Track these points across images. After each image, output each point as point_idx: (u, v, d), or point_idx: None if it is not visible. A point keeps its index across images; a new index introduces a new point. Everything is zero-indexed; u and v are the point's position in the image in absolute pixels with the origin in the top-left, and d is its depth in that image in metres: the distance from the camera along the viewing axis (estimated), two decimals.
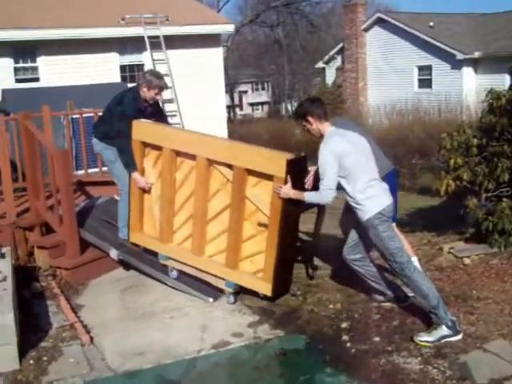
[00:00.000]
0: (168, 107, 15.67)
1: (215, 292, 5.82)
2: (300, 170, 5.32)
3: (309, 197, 4.92)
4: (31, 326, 5.25)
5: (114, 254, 6.47)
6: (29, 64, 15.13)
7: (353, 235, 5.13)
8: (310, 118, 4.89)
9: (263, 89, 61.75)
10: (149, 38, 15.69)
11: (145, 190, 6.23)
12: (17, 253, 6.91)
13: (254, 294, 5.69)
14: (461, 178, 6.28)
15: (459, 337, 4.59)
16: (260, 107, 60.67)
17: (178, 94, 15.67)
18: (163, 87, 6.18)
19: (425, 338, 4.62)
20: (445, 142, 6.57)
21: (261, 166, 5.26)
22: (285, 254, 5.38)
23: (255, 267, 5.56)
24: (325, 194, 4.74)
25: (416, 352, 4.49)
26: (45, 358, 4.73)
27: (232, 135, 17.37)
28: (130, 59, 16.45)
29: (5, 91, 12.63)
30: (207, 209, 5.78)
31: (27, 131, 7.05)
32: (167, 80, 15.27)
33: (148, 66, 16.04)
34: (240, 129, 24.83)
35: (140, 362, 4.68)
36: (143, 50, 15.98)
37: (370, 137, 5.43)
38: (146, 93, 6.08)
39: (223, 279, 5.72)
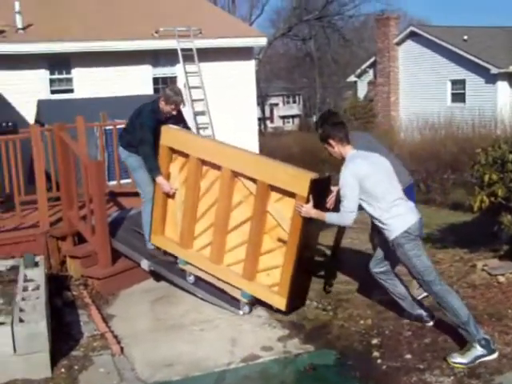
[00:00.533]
0: (200, 119, 15.76)
1: (245, 305, 5.81)
2: (323, 189, 5.33)
3: (329, 218, 4.94)
4: (63, 335, 5.30)
5: (145, 264, 6.51)
6: (64, 76, 15.35)
7: (379, 251, 5.14)
8: (331, 142, 4.89)
9: (294, 102, 61.80)
10: (182, 50, 15.81)
11: (169, 195, 6.35)
12: (49, 262, 6.99)
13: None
14: (495, 194, 6.17)
15: (494, 356, 4.49)
16: (291, 120, 60.66)
17: (210, 107, 15.75)
18: (179, 103, 6.36)
19: (458, 359, 4.52)
20: (479, 157, 6.48)
21: (284, 183, 5.30)
22: (301, 270, 5.40)
23: (271, 281, 5.60)
24: (346, 216, 4.75)
25: (449, 371, 4.42)
26: (76, 367, 4.77)
27: (263, 148, 17.38)
28: (163, 71, 16.59)
29: (40, 102, 12.82)
30: (228, 219, 5.85)
31: (62, 142, 7.15)
32: (199, 92, 15.49)
33: (181, 79, 16.17)
34: (270, 141, 24.82)
35: (169, 373, 4.69)
36: (176, 62, 16.10)
37: (388, 151, 5.52)
38: (164, 106, 6.30)
39: (239, 289, 5.77)
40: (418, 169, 12.95)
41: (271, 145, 22.93)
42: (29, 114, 13.09)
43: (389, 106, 26.81)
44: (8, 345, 4.48)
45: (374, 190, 4.72)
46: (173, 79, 16.48)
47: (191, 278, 6.20)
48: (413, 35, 26.05)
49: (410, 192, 5.43)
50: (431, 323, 5.16)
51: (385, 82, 26.98)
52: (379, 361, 4.70)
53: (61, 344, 5.07)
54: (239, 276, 5.76)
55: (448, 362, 4.53)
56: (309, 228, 5.23)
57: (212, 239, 6.00)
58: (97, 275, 6.57)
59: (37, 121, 11.33)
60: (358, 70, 29.75)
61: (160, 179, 6.26)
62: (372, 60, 28.54)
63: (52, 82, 15.05)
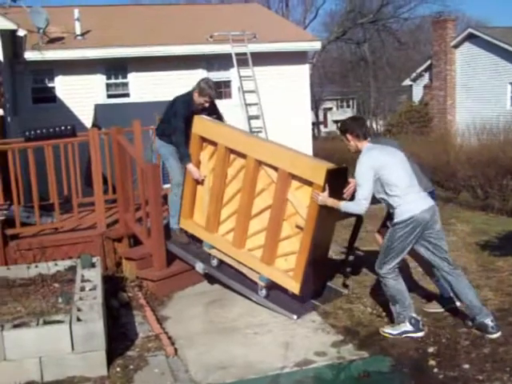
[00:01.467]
0: (254, 123, 15.82)
1: (299, 309, 5.80)
2: (340, 180, 5.56)
3: (345, 206, 5.21)
4: (118, 335, 5.38)
5: (199, 267, 6.55)
6: (120, 80, 15.65)
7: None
8: (348, 136, 5.24)
9: (348, 106, 61.36)
10: (236, 54, 15.91)
11: (198, 181, 6.64)
12: (105, 263, 7.12)
13: (339, 312, 5.64)
14: None
15: (420, 334, 5.12)
16: None
17: (264, 111, 15.79)
18: (211, 96, 6.66)
19: (387, 330, 5.21)
20: None
21: (303, 173, 5.59)
22: (316, 257, 5.70)
23: (288, 266, 5.88)
24: (359, 204, 5.03)
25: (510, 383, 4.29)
26: (131, 367, 4.83)
27: (317, 152, 17.30)
28: (217, 76, 16.71)
29: (97, 106, 13.09)
30: (252, 206, 6.14)
31: (119, 145, 7.27)
32: (253, 96, 15.53)
33: (235, 83, 16.27)
34: (324, 145, 24.67)
35: (223, 375, 4.70)
36: (230, 66, 16.22)
37: (410, 157, 5.57)
38: (197, 98, 6.64)
39: (258, 273, 6.04)
40: (475, 174, 12.63)
41: (325, 149, 22.78)
42: (86, 117, 13.39)
43: (445, 110, 26.29)
44: (66, 342, 4.58)
45: (389, 178, 4.98)
46: (227, 83, 16.59)
47: (214, 262, 6.49)
48: (471, 37, 25.47)
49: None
50: (495, 335, 5.02)
51: (441, 85, 26.47)
52: (436, 370, 4.60)
53: (116, 344, 5.15)
54: (258, 260, 6.05)
55: (380, 331, 5.20)
56: (324, 217, 5.48)
57: (235, 225, 6.29)
58: (152, 277, 6.65)
59: (94, 124, 11.57)
60: (414, 74, 29.28)
61: (190, 166, 6.56)
62: (428, 63, 28.04)
63: (108, 86, 15.37)
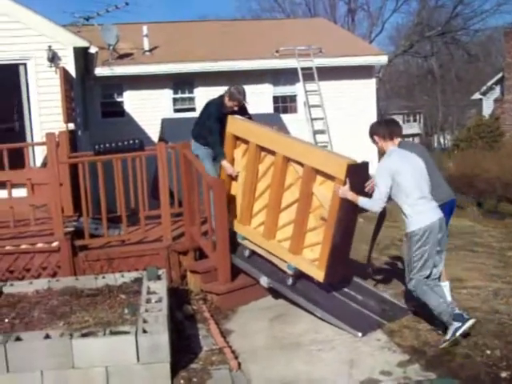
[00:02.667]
0: (319, 138, 15.75)
1: (364, 327, 5.69)
2: (361, 175, 5.84)
3: (361, 202, 5.54)
4: (183, 347, 5.40)
5: (264, 281, 6.53)
6: (186, 95, 15.91)
7: None
8: (375, 137, 5.66)
9: (415, 120, 60.43)
10: (302, 69, 15.92)
11: (232, 177, 7.04)
12: (171, 275, 7.19)
13: (405, 331, 5.52)
14: None
15: (471, 321, 5.18)
16: (411, 139, 59.28)
17: (330, 125, 15.72)
18: (240, 101, 7.18)
19: (443, 344, 5.19)
20: None
21: (326, 167, 5.94)
22: (339, 247, 6.03)
23: (313, 256, 6.22)
24: (375, 203, 5.44)
25: None
26: (194, 380, 4.83)
27: None
28: (283, 90, 16.78)
29: (164, 120, 13.32)
30: (281, 200, 6.51)
31: (185, 159, 7.35)
32: (319, 111, 15.48)
33: (300, 97, 16.28)
34: None
35: None
36: (296, 81, 16.24)
37: (433, 164, 5.98)
38: (227, 102, 7.17)
39: (285, 262, 6.41)
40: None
41: None
42: (153, 131, 13.64)
43: None
44: (132, 353, 4.63)
45: (403, 184, 5.29)
46: (293, 98, 16.62)
47: (246, 252, 6.85)
48: None
49: (448, 208, 5.86)
50: None
51: None
52: None
53: (180, 356, 5.16)
54: (287, 250, 6.41)
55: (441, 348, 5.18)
56: (346, 210, 5.79)
57: (266, 217, 6.66)
58: (216, 291, 6.67)
59: (161, 138, 11.76)
60: (484, 87, 28.62)
61: (224, 163, 7.01)
62: (499, 76, 27.34)
63: (175, 100, 15.64)
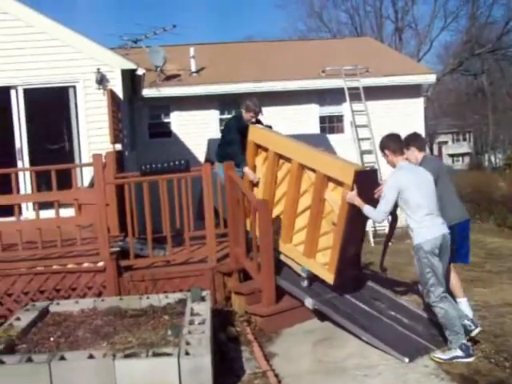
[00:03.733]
0: (366, 158, 15.60)
1: (411, 352, 5.52)
2: (369, 181, 6.10)
3: (366, 210, 5.74)
4: (225, 370, 5.34)
5: (309, 303, 6.44)
6: (232, 115, 15.96)
7: None
8: (386, 151, 5.78)
9: (464, 139, 59.54)
10: (348, 89, 15.84)
11: (253, 183, 7.43)
12: (215, 296, 7.15)
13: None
14: None
15: (471, 359, 5.30)
16: (460, 158, 58.45)
17: (377, 145, 15.51)
18: (256, 112, 7.68)
19: (438, 354, 5.45)
20: None
21: (335, 174, 6.23)
22: (348, 250, 6.31)
23: (324, 259, 6.47)
24: (378, 214, 5.65)
25: None
26: None
27: None
28: (330, 110, 16.71)
29: (210, 141, 13.37)
30: (297, 205, 6.79)
31: (231, 180, 7.34)
32: (366, 131, 15.34)
33: (347, 117, 16.17)
34: None
35: None
36: (342, 101, 16.16)
37: (449, 182, 6.25)
38: (244, 114, 7.74)
39: (300, 265, 6.71)
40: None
41: None
42: (200, 152, 13.72)
43: None
44: (174, 375, 4.59)
45: (409, 200, 5.46)
46: (339, 118, 16.53)
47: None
48: None
49: (460, 229, 6.05)
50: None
51: None
52: None
53: (223, 379, 5.10)
54: (301, 254, 6.71)
55: (431, 357, 5.42)
56: (354, 214, 5.96)
57: (283, 222, 6.97)
58: (260, 313, 6.60)
59: (207, 159, 11.80)
60: None
61: (246, 169, 7.43)
62: None
63: (222, 121, 15.69)
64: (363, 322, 6.07)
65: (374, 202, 5.73)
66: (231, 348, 5.96)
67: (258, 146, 7.36)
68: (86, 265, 7.18)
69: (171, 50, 16.52)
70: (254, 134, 7.39)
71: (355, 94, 15.89)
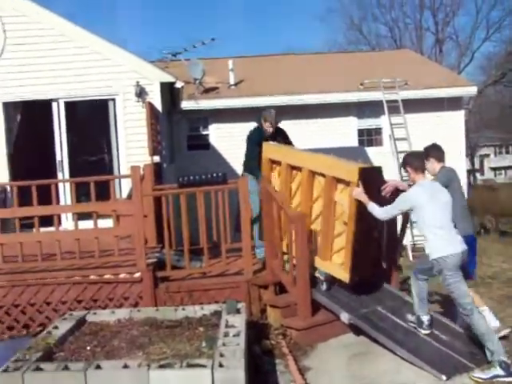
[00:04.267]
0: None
1: (449, 369, 5.41)
2: (374, 179, 6.49)
3: (371, 206, 6.03)
4: (259, 382, 5.33)
5: (344, 317, 6.39)
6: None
7: None
8: (408, 168, 5.98)
9: (507, 152, 58.50)
10: (387, 102, 15.74)
11: None
12: (250, 309, 7.14)
13: None
14: None
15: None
16: (503, 172, 57.43)
17: None
18: (272, 121, 7.89)
19: (477, 374, 5.34)
20: None
21: (342, 174, 6.50)
22: (364, 249, 6.49)
23: (340, 260, 6.65)
24: (382, 214, 5.98)
25: None
26: None
27: (473, 201, 16.53)
28: (368, 123, 16.61)
29: None
30: (311, 212, 6.97)
31: (266, 192, 7.34)
32: (405, 144, 15.20)
33: (386, 130, 16.07)
34: (481, 195, 23.49)
35: None
36: (381, 113, 16.06)
37: (460, 197, 6.37)
38: (263, 125, 7.94)
39: (316, 268, 6.90)
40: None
41: (482, 198, 21.69)
42: (238, 164, 13.73)
43: None
44: None
45: (423, 217, 5.67)
46: (378, 131, 16.43)
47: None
48: None
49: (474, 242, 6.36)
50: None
51: None
52: None
53: None
54: (319, 257, 6.89)
55: (469, 376, 5.31)
56: (363, 212, 6.15)
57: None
58: (296, 326, 6.57)
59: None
60: None
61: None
62: None
63: None
64: (399, 337, 5.98)
65: (380, 199, 6.15)
66: (266, 361, 5.95)
67: (273, 162, 7.57)
68: (122, 275, 7.25)
69: (210, 63, 16.67)
70: (268, 151, 7.60)
71: (394, 107, 15.77)
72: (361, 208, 6.18)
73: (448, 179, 6.31)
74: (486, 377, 5.25)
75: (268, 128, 7.89)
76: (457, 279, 5.54)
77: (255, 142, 7.86)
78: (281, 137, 8.12)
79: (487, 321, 5.72)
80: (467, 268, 5.97)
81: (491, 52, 50.72)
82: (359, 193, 6.13)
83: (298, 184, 7.17)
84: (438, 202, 5.68)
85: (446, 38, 40.37)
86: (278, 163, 7.45)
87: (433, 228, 5.61)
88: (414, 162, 5.95)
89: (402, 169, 6.26)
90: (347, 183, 6.40)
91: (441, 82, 16.59)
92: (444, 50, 40.35)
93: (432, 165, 6.44)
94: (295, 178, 7.22)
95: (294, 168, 7.22)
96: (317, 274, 6.89)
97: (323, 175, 6.73)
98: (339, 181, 6.56)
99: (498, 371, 5.24)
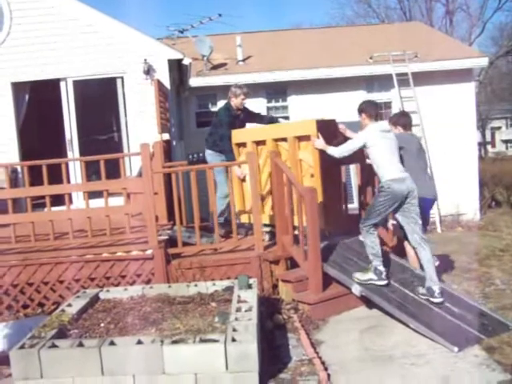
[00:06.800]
0: None
1: (461, 341, 5.43)
2: (330, 129, 7.18)
3: (330, 150, 6.76)
4: (272, 357, 5.37)
5: (356, 289, 6.41)
6: (280, 103, 15.92)
7: None
8: (364, 115, 6.63)
9: None
10: (397, 75, 15.58)
11: (241, 179, 8.04)
12: (262, 284, 7.16)
13: (506, 348, 5.24)
14: None
15: (381, 282, 6.41)
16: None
17: (426, 131, 15.29)
18: (245, 94, 8.06)
19: (357, 275, 6.50)
20: None
21: (302, 131, 7.18)
22: (331, 198, 7.30)
23: None
24: (338, 153, 6.70)
25: None
26: None
27: (484, 174, 16.45)
28: (378, 97, 16.42)
29: None
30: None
31: (277, 168, 7.32)
32: (415, 117, 15.09)
33: (396, 104, 15.93)
34: (492, 167, 23.36)
35: None
36: (390, 87, 15.90)
37: (419, 161, 7.12)
38: (235, 101, 8.06)
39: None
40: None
41: (493, 171, 21.56)
42: None
43: None
44: (221, 361, 4.63)
45: (376, 155, 6.41)
46: (387, 104, 16.29)
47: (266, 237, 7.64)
48: None
49: (427, 205, 6.99)
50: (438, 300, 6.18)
51: None
52: None
53: (269, 366, 5.13)
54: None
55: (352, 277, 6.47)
56: (327, 162, 6.98)
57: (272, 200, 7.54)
58: (308, 300, 6.60)
59: None
60: None
61: (233, 168, 7.89)
62: None
63: (269, 109, 15.64)
64: (412, 310, 6.00)
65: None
66: (278, 335, 5.99)
67: (239, 146, 8.06)
68: (134, 253, 7.29)
69: (218, 40, 16.53)
70: (235, 138, 8.05)
71: (404, 80, 15.61)
72: (324, 161, 6.96)
73: (403, 141, 6.91)
74: (363, 278, 6.43)
75: (242, 101, 8.08)
76: (386, 202, 6.27)
77: (227, 122, 8.00)
78: (245, 112, 8.35)
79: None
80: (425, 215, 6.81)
81: (503, 22, 50.05)
82: (320, 142, 6.85)
83: (265, 158, 7.69)
84: (388, 140, 6.43)
85: (456, 8, 39.75)
86: (244, 145, 7.97)
87: (385, 162, 6.34)
88: (371, 110, 6.64)
89: (358, 113, 6.77)
90: (308, 138, 7.07)
91: (451, 54, 16.39)
92: (454, 22, 39.76)
93: (399, 132, 7.17)
94: (261, 154, 7.75)
95: (258, 144, 7.79)
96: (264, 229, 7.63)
97: (285, 139, 7.41)
98: (301, 139, 7.26)
99: (372, 276, 6.41)
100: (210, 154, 8.29)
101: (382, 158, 6.39)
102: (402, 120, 7.36)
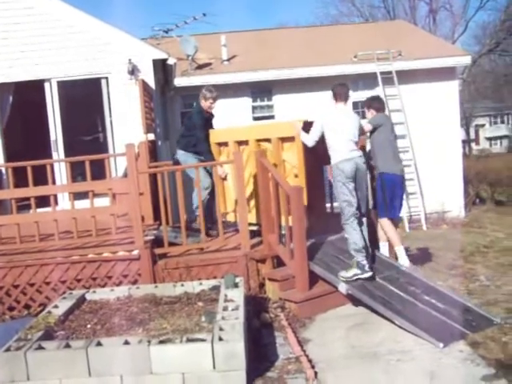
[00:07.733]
0: (401, 143, 15.37)
1: (446, 337, 5.48)
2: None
3: (302, 136, 7.00)
4: (259, 355, 5.38)
5: (342, 287, 6.45)
6: (265, 102, 15.94)
7: None
8: (337, 97, 7.01)
9: (502, 122, 58.41)
10: (381, 73, 15.66)
11: (223, 178, 8.18)
12: (249, 283, 7.18)
13: (490, 343, 5.30)
14: None
15: (366, 275, 6.49)
16: (498, 142, 57.41)
17: (411, 129, 15.37)
18: (215, 98, 8.18)
19: (342, 273, 6.54)
20: None
21: (287, 132, 7.29)
22: (313, 198, 7.37)
23: None
24: (307, 140, 6.96)
25: None
26: None
27: (468, 171, 16.55)
28: (362, 95, 16.43)
29: None
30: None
31: (262, 167, 7.34)
32: (400, 115, 15.17)
33: None
34: (476, 164, 23.53)
35: None
36: (375, 85, 15.97)
37: (393, 138, 7.65)
38: (204, 104, 8.16)
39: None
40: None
41: (477, 168, 21.74)
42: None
43: None
44: (208, 361, 4.65)
45: (329, 135, 6.74)
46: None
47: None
48: None
49: (398, 183, 7.40)
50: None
51: None
52: None
53: (257, 364, 5.15)
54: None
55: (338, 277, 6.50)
56: (309, 163, 7.19)
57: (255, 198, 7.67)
58: (294, 299, 6.62)
59: None
60: None
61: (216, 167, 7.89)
62: None
63: (254, 108, 15.66)
64: (397, 307, 6.05)
65: (320, 151, 6.99)
66: (265, 334, 6.01)
67: (220, 145, 8.19)
68: (121, 253, 7.27)
69: (202, 39, 16.52)
70: (213, 136, 8.18)
71: (388, 79, 15.69)
72: (308, 161, 7.14)
73: (376, 122, 7.41)
74: (348, 275, 6.49)
75: (211, 105, 8.20)
76: (347, 187, 6.56)
77: (200, 125, 8.05)
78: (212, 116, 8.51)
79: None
80: (387, 206, 7.33)
81: (485, 21, 50.41)
82: (298, 127, 7.07)
83: (246, 157, 7.71)
84: (340, 126, 6.72)
85: (439, 7, 39.98)
86: (225, 144, 8.08)
87: (334, 147, 6.67)
88: (338, 91, 7.03)
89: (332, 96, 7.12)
90: (292, 139, 7.19)
91: (434, 52, 16.49)
92: (438, 20, 39.99)
93: (372, 115, 7.61)
94: (243, 153, 7.73)
95: (241, 143, 7.90)
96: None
97: (269, 140, 7.52)
98: (284, 140, 7.39)
99: (356, 271, 6.48)
100: (183, 154, 8.26)
101: (334, 140, 6.73)
102: (376, 104, 7.76)
